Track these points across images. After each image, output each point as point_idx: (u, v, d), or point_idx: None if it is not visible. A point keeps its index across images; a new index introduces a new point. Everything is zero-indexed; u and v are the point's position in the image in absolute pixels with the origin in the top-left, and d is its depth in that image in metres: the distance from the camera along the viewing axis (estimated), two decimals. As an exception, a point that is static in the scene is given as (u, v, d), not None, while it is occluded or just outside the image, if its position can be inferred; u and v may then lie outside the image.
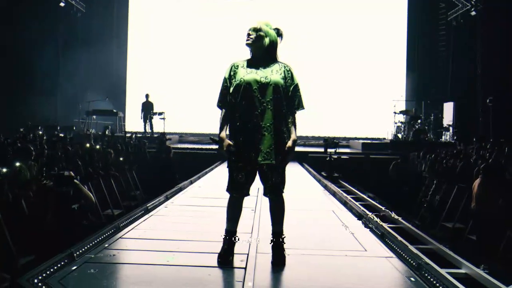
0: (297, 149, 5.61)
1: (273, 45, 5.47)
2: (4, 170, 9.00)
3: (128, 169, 15.01)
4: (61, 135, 19.01)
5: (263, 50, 5.43)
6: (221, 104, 5.47)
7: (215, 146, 15.10)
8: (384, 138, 25.61)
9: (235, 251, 5.52)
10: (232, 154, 5.34)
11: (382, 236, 6.87)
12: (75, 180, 9.12)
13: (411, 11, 28.30)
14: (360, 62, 27.37)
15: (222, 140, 5.37)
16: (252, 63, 5.46)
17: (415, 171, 16.88)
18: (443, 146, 20.66)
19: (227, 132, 5.43)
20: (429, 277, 5.03)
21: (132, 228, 7.16)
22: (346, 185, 15.90)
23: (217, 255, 5.45)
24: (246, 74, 5.35)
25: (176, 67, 28.22)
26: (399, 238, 7.00)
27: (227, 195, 5.51)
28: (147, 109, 25.22)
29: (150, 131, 25.12)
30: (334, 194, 11.86)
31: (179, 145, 23.52)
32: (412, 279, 5.08)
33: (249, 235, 6.66)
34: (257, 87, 5.30)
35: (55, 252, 5.39)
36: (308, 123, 21.92)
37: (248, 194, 5.47)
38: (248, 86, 5.30)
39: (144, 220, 7.83)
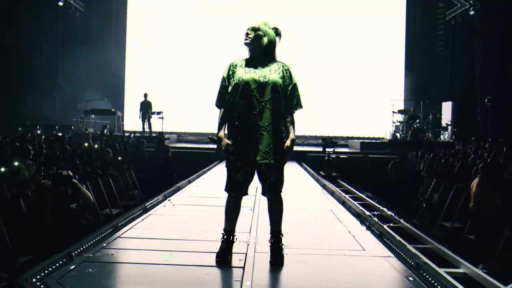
0: (295, 148, 5.61)
1: (272, 44, 5.47)
2: (3, 169, 9.00)
3: (126, 168, 15.00)
4: (60, 134, 19.00)
5: (261, 49, 5.43)
6: (219, 103, 5.47)
7: (213, 146, 15.12)
8: (383, 138, 25.59)
9: (233, 251, 5.52)
10: (231, 154, 5.34)
11: (381, 236, 6.87)
12: (74, 180, 9.13)
13: (409, 11, 28.31)
14: (359, 61, 27.38)
15: (221, 139, 5.37)
16: (250, 63, 5.45)
17: (414, 170, 16.88)
18: (442, 145, 20.67)
19: (226, 132, 5.43)
20: (427, 276, 5.03)
21: (131, 228, 7.16)
22: (345, 184, 15.90)
23: (215, 254, 5.44)
24: (245, 74, 5.35)
25: (174, 67, 28.21)
26: (398, 237, 7.01)
27: (226, 195, 5.51)
28: (146, 109, 25.21)
29: (148, 130, 25.10)
30: (332, 193, 11.86)
31: (178, 145, 23.52)
32: (411, 278, 5.08)
33: (247, 234, 6.67)
34: (256, 86, 5.30)
35: (54, 252, 5.39)
36: (307, 123, 21.93)
37: (246, 194, 5.47)
38: (247, 86, 5.30)
39: (142, 220, 7.83)
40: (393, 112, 24.53)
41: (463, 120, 24.30)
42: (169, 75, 28.15)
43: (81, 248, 5.67)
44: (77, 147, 14.22)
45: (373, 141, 24.89)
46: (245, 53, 5.56)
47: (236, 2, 27.93)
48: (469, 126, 23.77)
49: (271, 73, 5.37)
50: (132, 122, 27.05)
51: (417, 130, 23.17)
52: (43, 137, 17.17)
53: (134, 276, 5.07)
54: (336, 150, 19.74)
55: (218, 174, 14.66)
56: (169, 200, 10.10)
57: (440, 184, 13.49)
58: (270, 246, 5.49)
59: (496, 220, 9.49)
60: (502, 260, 8.76)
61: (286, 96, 5.41)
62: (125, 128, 26.34)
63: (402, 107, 25.31)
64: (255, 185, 5.60)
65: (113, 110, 25.49)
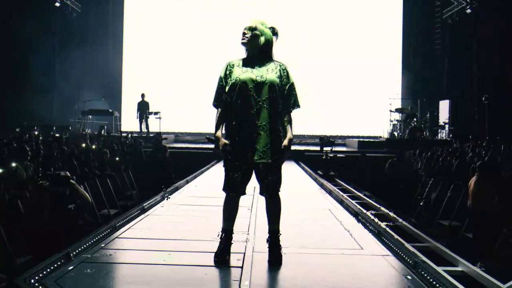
0: (293, 147, 5.61)
1: (269, 44, 5.47)
2: (0, 170, 9.00)
3: (124, 168, 14.99)
4: (57, 135, 19.00)
5: (258, 49, 5.43)
6: (216, 103, 5.47)
7: (211, 146, 15.12)
8: (380, 137, 25.63)
9: (231, 250, 5.52)
10: (228, 153, 5.34)
11: (379, 234, 6.88)
12: (71, 180, 9.11)
13: (406, 9, 28.33)
14: (356, 60, 27.39)
15: (218, 139, 5.37)
16: (247, 62, 5.45)
17: (411, 169, 16.90)
18: (439, 144, 20.69)
19: (223, 131, 5.43)
20: (425, 275, 5.04)
21: (129, 228, 7.16)
22: (342, 183, 15.92)
23: (213, 254, 5.44)
24: (242, 73, 5.35)
25: (172, 67, 28.20)
26: (396, 236, 7.02)
27: (224, 194, 5.51)
28: (143, 109, 25.21)
29: (146, 130, 25.09)
30: (330, 192, 11.86)
31: (175, 145, 23.51)
32: (409, 277, 5.08)
33: (245, 234, 6.67)
34: (253, 86, 5.30)
35: (52, 252, 5.38)
36: (304, 122, 21.92)
37: (244, 193, 5.47)
38: (244, 85, 5.30)
39: (140, 220, 7.82)
40: (391, 111, 24.55)
41: (461, 118, 24.32)
42: (167, 76, 28.14)
43: (79, 249, 5.67)
44: (74, 147, 14.21)
45: (371, 140, 24.88)
46: (242, 52, 5.56)
47: (233, 2, 27.93)
48: (467, 124, 23.79)
49: (268, 73, 5.36)
50: (129, 122, 27.03)
51: (414, 128, 23.17)
52: (40, 138, 17.17)
53: (132, 276, 5.07)
54: (333, 149, 19.79)
55: (216, 174, 14.65)
56: (167, 197, 10.12)
57: (438, 182, 13.50)
58: (268, 245, 5.49)
59: (494, 218, 9.51)
60: (500, 258, 8.77)
61: (283, 96, 5.41)
62: (123, 129, 26.33)
63: (399, 106, 25.32)
64: (253, 184, 5.59)
65: (110, 110, 25.50)
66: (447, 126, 24.31)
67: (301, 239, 6.52)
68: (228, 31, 24.49)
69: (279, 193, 5.46)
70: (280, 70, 5.43)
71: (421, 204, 14.11)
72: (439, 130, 24.81)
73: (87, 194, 9.89)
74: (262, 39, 5.42)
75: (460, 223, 11.35)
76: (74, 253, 5.49)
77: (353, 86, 27.34)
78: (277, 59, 5.53)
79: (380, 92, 26.13)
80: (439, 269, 5.41)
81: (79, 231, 8.00)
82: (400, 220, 10.41)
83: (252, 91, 5.29)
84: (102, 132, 22.20)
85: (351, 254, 5.97)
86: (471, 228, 10.57)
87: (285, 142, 5.34)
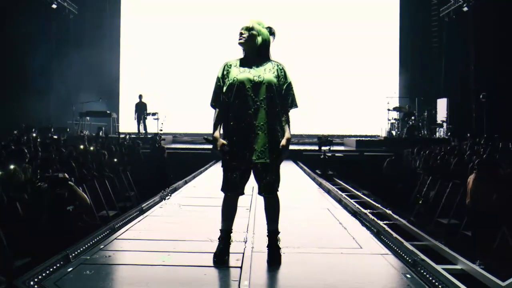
0: (291, 147, 5.61)
1: (266, 44, 5.47)
2: (-1, 172, 8.99)
3: (122, 170, 14.99)
4: (55, 137, 18.99)
5: (255, 49, 5.43)
6: (214, 103, 5.47)
7: (209, 146, 15.11)
8: (378, 135, 25.65)
9: (230, 251, 5.52)
10: (226, 154, 5.34)
11: (378, 233, 6.88)
12: (70, 182, 9.10)
13: (403, 8, 28.39)
14: (354, 59, 27.43)
15: (216, 139, 5.37)
16: (245, 62, 5.45)
17: (410, 167, 16.90)
18: (437, 142, 20.75)
19: (221, 132, 5.43)
20: (425, 273, 5.04)
21: (128, 229, 7.16)
22: (341, 182, 15.95)
23: (212, 254, 5.44)
24: (239, 73, 5.35)
25: (169, 68, 28.23)
26: (395, 235, 7.03)
27: (222, 195, 5.51)
28: (141, 110, 25.19)
29: (144, 131, 25.08)
30: (328, 192, 11.87)
31: (173, 145, 23.54)
32: (408, 275, 5.08)
33: (244, 234, 6.67)
34: (250, 86, 5.30)
35: (51, 254, 5.38)
36: (302, 121, 21.93)
37: (243, 193, 5.47)
38: (241, 85, 5.30)
39: (139, 221, 7.82)
40: (388, 109, 24.58)
41: (458, 116, 24.36)
42: (164, 76, 28.17)
43: (78, 250, 5.67)
44: (72, 149, 14.20)
45: (369, 139, 24.91)
46: (239, 53, 5.56)
47: (230, 2, 27.93)
48: (464, 122, 23.82)
49: (265, 73, 5.36)
50: (127, 123, 27.04)
51: (412, 127, 23.21)
52: (38, 140, 17.15)
53: (132, 277, 5.07)
54: (331, 148, 19.78)
55: (214, 174, 14.64)
56: (167, 198, 10.13)
57: (436, 181, 13.51)
58: (267, 245, 5.50)
59: (493, 216, 9.52)
60: (499, 255, 8.78)
61: (281, 95, 5.41)
62: (121, 130, 26.31)
63: (397, 105, 25.39)
64: (251, 184, 5.60)
65: (108, 112, 25.51)
66: (445, 124, 24.34)
67: (300, 239, 6.51)
68: (225, 31, 24.49)
69: (278, 192, 5.46)
70: (277, 70, 5.43)
71: (419, 202, 14.11)
72: (437, 128, 24.84)
73: (86, 196, 9.87)
74: (259, 39, 5.42)
75: (459, 221, 11.35)
76: (73, 254, 5.49)
77: (350, 85, 27.39)
78: (274, 59, 5.53)
79: (378, 91, 26.14)
80: (439, 268, 5.42)
81: (78, 232, 7.99)
82: (399, 218, 10.42)
83: (250, 91, 5.29)
84: (100, 133, 22.20)
85: (350, 253, 5.97)
86: (470, 226, 10.57)
87: (283, 141, 5.34)
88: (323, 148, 19.78)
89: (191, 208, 9.23)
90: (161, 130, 22.06)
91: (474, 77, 23.99)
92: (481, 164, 10.58)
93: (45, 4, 24.66)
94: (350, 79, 27.37)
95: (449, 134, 23.50)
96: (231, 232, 5.54)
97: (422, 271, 5.11)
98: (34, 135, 19.14)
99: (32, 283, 4.63)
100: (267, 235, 5.51)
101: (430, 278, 4.91)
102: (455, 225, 11.46)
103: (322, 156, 18.50)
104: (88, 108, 25.02)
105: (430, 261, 5.66)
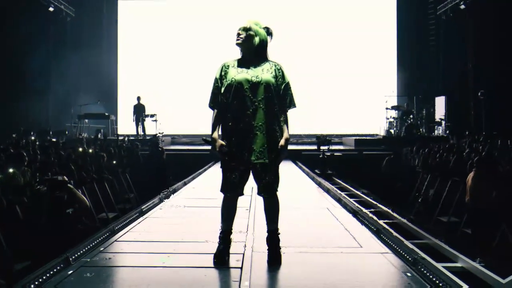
0: (290, 147, 5.62)
1: (263, 44, 5.47)
2: (-2, 176, 8.99)
3: (121, 172, 14.98)
4: (54, 140, 18.99)
5: (253, 49, 5.43)
6: (212, 104, 5.46)
7: (208, 147, 15.11)
8: (377, 134, 25.65)
9: (230, 251, 5.52)
10: (225, 154, 5.34)
11: (378, 232, 6.88)
12: (69, 185, 9.10)
13: (400, 6, 28.40)
14: (351, 58, 27.43)
15: (215, 140, 5.37)
16: (242, 63, 5.45)
17: (409, 166, 16.90)
18: (436, 140, 20.74)
19: (220, 133, 5.42)
20: (425, 271, 5.04)
21: (127, 231, 7.16)
22: (340, 182, 15.92)
23: (212, 255, 5.44)
24: (237, 74, 5.35)
25: (167, 69, 28.23)
26: (395, 233, 7.02)
27: (221, 195, 5.51)
28: (139, 112, 25.18)
29: (142, 133, 25.08)
30: (328, 191, 11.87)
31: (172, 147, 23.53)
32: (409, 274, 5.08)
33: (244, 234, 6.67)
34: (249, 86, 5.30)
35: (51, 257, 5.38)
36: (301, 121, 21.95)
37: (242, 194, 5.47)
38: (240, 86, 5.30)
39: (139, 223, 7.82)
40: (387, 108, 24.59)
41: (457, 114, 24.40)
42: (162, 78, 28.18)
43: (78, 253, 5.67)
44: (71, 152, 14.20)
45: (368, 138, 24.90)
46: (237, 53, 5.56)
47: (228, 3, 27.94)
48: (463, 120, 23.86)
49: (263, 73, 5.36)
50: (126, 125, 27.02)
51: (411, 125, 23.23)
52: (37, 143, 17.16)
53: (132, 279, 5.06)
54: (330, 148, 19.76)
55: (213, 175, 14.63)
56: (166, 199, 10.14)
57: (436, 179, 13.51)
58: (267, 245, 5.50)
59: (493, 213, 9.52)
60: (499, 253, 8.78)
61: (279, 96, 5.41)
62: (119, 132, 26.33)
63: (395, 103, 25.41)
64: (251, 185, 5.60)
65: (106, 114, 25.48)
66: (443, 122, 24.36)
67: (300, 239, 6.52)
68: (223, 32, 24.46)
69: (277, 193, 5.46)
70: (275, 70, 5.43)
71: (419, 201, 14.11)
72: (436, 126, 24.87)
73: (85, 198, 9.87)
74: (257, 39, 5.42)
75: (459, 219, 11.36)
76: (73, 257, 5.49)
77: (348, 84, 27.39)
78: (272, 59, 5.53)
79: (376, 90, 26.19)
80: (439, 266, 5.42)
81: (77, 235, 7.99)
82: (399, 217, 10.41)
83: (248, 91, 5.29)
84: (99, 136, 22.20)
85: (350, 253, 5.97)
86: (470, 224, 10.57)
87: (282, 142, 5.34)
88: (322, 147, 19.76)
89: (190, 209, 9.24)
90: (162, 133, 22.07)
91: (472, 74, 24.01)
92: (480, 161, 10.58)
93: (42, 7, 24.65)
94: (348, 78, 27.37)
95: (447, 132, 23.52)
96: (231, 233, 5.54)
97: (422, 269, 5.12)
98: (32, 138, 19.14)
99: (32, 286, 4.64)
100: (267, 235, 5.51)
101: (431, 276, 4.91)
102: (455, 223, 11.46)
103: (321, 156, 18.49)
104: (87, 111, 25.00)
105: (430, 259, 5.66)
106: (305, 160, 19.75)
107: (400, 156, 17.72)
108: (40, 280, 4.78)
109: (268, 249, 5.48)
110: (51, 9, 24.97)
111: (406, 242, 6.56)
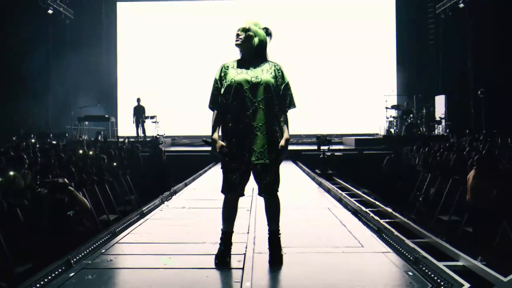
0: (290, 147, 5.62)
1: (263, 44, 5.47)
2: (-2, 179, 9.00)
3: (122, 174, 14.99)
4: (54, 142, 18.99)
5: (252, 50, 5.43)
6: (212, 105, 5.46)
7: (208, 148, 15.12)
8: (377, 134, 25.62)
9: (232, 252, 5.52)
10: (226, 155, 5.34)
11: (379, 231, 6.88)
12: (70, 187, 9.10)
13: (399, 6, 28.40)
14: (351, 58, 27.43)
15: (215, 141, 5.37)
16: (242, 64, 5.45)
17: (409, 165, 16.90)
18: (436, 139, 20.73)
19: (220, 134, 5.42)
20: (426, 270, 5.04)
21: (129, 233, 7.16)
22: (341, 181, 15.91)
23: (214, 256, 5.44)
24: (237, 75, 5.35)
25: (166, 71, 28.22)
26: (396, 232, 7.01)
27: (222, 196, 5.51)
28: (139, 113, 25.20)
29: (142, 135, 25.07)
30: (329, 191, 11.87)
31: (173, 148, 23.53)
32: (410, 273, 5.09)
33: (245, 235, 6.67)
34: (248, 87, 5.30)
35: (52, 260, 5.38)
36: (301, 121, 21.91)
37: (243, 195, 5.47)
38: (239, 87, 5.30)
39: (140, 224, 7.82)
40: (387, 107, 24.57)
41: (457, 113, 24.38)
42: (162, 79, 28.17)
43: (80, 255, 5.67)
44: (72, 154, 14.22)
45: (368, 137, 24.88)
46: (236, 54, 5.55)
47: (227, 4, 27.95)
48: (463, 119, 23.85)
49: (263, 73, 5.36)
50: (126, 127, 27.02)
51: (411, 125, 23.21)
52: (37, 145, 17.16)
53: (134, 281, 5.06)
54: (331, 147, 19.77)
55: (214, 176, 14.63)
56: (164, 203, 10.13)
57: (436, 178, 13.51)
58: (268, 246, 5.50)
59: (493, 211, 9.52)
60: (500, 251, 8.77)
61: (279, 96, 5.41)
62: (119, 134, 26.32)
63: (395, 103, 25.39)
64: (252, 185, 5.60)
65: (106, 116, 25.49)
66: (443, 121, 24.35)
67: (301, 239, 6.52)
68: (221, 33, 24.46)
69: (278, 193, 5.46)
70: (275, 70, 5.43)
71: (420, 200, 14.11)
72: (436, 125, 24.83)
73: (86, 201, 9.88)
74: (256, 40, 5.41)
75: (460, 217, 11.36)
76: (75, 259, 5.49)
77: (348, 84, 27.38)
78: (271, 59, 5.53)
79: (376, 89, 26.18)
80: (440, 264, 5.40)
81: (79, 237, 7.99)
82: (400, 216, 10.41)
83: (248, 92, 5.29)
84: (99, 138, 22.19)
85: (351, 252, 5.97)
86: (471, 223, 10.57)
87: (282, 142, 5.34)
88: (322, 147, 19.77)
89: (191, 211, 9.24)
90: (163, 135, 22.08)
91: (472, 73, 24.00)
92: (480, 160, 10.58)
93: (41, 9, 24.64)
94: (348, 78, 27.37)
95: (448, 131, 23.52)
96: (232, 234, 5.54)
97: (423, 268, 5.12)
98: (33, 141, 19.14)
99: (34, 289, 4.64)
100: (268, 236, 5.51)
101: (432, 275, 4.91)
102: (456, 222, 11.47)
103: (321, 156, 18.48)
104: (87, 113, 25.00)
105: (431, 258, 5.64)
106: (306, 160, 19.74)
107: (401, 156, 17.72)
108: (42, 282, 4.78)
109: (269, 250, 5.48)
110: (50, 11, 24.96)
111: (407, 241, 6.54)
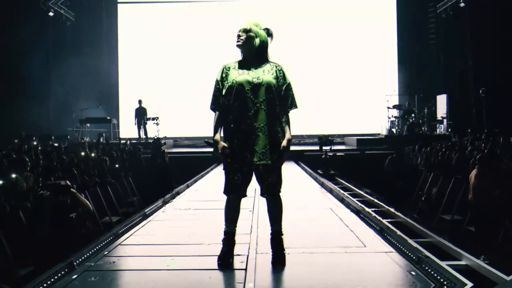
0: (292, 148, 5.60)
1: (264, 45, 5.47)
2: (0, 182, 9.00)
3: (124, 175, 15.00)
4: (56, 144, 19.00)
5: (254, 51, 5.42)
6: (214, 106, 5.46)
7: (210, 149, 15.13)
8: (379, 134, 25.61)
9: (234, 253, 5.52)
10: (228, 156, 5.33)
11: (381, 231, 6.88)
12: (72, 189, 9.11)
13: (400, 5, 28.38)
14: (352, 58, 27.42)
15: (217, 142, 5.36)
16: (243, 64, 5.45)
17: (411, 165, 16.89)
18: (438, 138, 20.71)
19: (222, 134, 5.42)
20: (429, 270, 5.04)
21: (131, 235, 7.15)
22: (343, 182, 15.89)
23: (217, 257, 5.44)
24: (238, 76, 5.35)
25: (167, 72, 28.20)
26: (398, 232, 7.01)
27: (225, 197, 5.51)
28: (141, 115, 25.19)
29: (144, 136, 25.07)
30: (331, 191, 11.87)
31: (174, 150, 23.54)
32: (413, 273, 5.08)
33: (248, 236, 6.67)
34: (250, 88, 5.30)
35: (55, 262, 5.38)
36: (303, 122, 21.89)
37: (245, 195, 5.47)
38: (241, 87, 5.30)
39: (142, 226, 7.82)
40: (388, 107, 24.56)
41: (458, 112, 24.36)
42: (163, 81, 28.14)
43: (83, 257, 5.67)
44: (74, 156, 14.21)
45: (370, 137, 24.87)
46: (237, 55, 5.55)
47: (227, 5, 27.96)
48: (465, 118, 23.84)
49: (264, 74, 5.36)
50: (127, 129, 27.01)
51: (412, 124, 23.20)
52: (39, 148, 17.16)
53: (137, 282, 5.07)
54: (332, 148, 19.76)
55: (216, 177, 14.64)
56: (166, 203, 10.14)
57: (438, 177, 13.50)
58: (271, 246, 5.49)
59: (496, 210, 9.51)
60: (503, 250, 8.77)
61: (280, 96, 5.41)
62: (121, 136, 26.34)
63: (397, 102, 25.36)
64: (254, 186, 5.59)
65: (108, 118, 25.51)
66: (445, 120, 24.32)
67: (303, 239, 6.52)
68: (222, 34, 24.48)
69: (280, 193, 5.46)
70: (276, 71, 5.42)
71: (422, 199, 14.10)
72: (437, 124, 24.82)
73: (88, 203, 9.89)
74: (257, 40, 5.41)
75: (462, 217, 11.35)
76: (78, 261, 5.49)
77: (349, 84, 27.37)
78: (273, 60, 5.52)
79: (377, 89, 26.15)
80: (443, 264, 5.40)
81: (81, 239, 8.00)
82: (402, 216, 10.40)
83: (249, 93, 5.29)
84: (101, 140, 22.21)
85: (354, 252, 5.97)
86: (473, 222, 10.57)
87: (284, 142, 5.34)
88: (324, 148, 19.76)
89: (194, 212, 9.24)
90: (165, 137, 22.06)
91: (473, 73, 23.99)
92: (482, 159, 10.58)
93: (42, 12, 24.67)
94: (349, 78, 27.37)
95: (449, 130, 23.50)
96: (235, 234, 5.53)
97: (426, 267, 5.12)
98: (34, 143, 19.15)
99: (37, 291, 4.64)
100: (271, 236, 5.51)
101: (435, 275, 4.91)
102: (459, 221, 11.46)
103: (323, 156, 18.46)
104: (88, 115, 25.03)
105: (434, 258, 5.64)
106: (308, 160, 19.75)
107: (403, 155, 17.70)
108: (45, 285, 4.79)
109: (272, 250, 5.48)
110: (51, 14, 24.99)
111: (410, 241, 6.54)
